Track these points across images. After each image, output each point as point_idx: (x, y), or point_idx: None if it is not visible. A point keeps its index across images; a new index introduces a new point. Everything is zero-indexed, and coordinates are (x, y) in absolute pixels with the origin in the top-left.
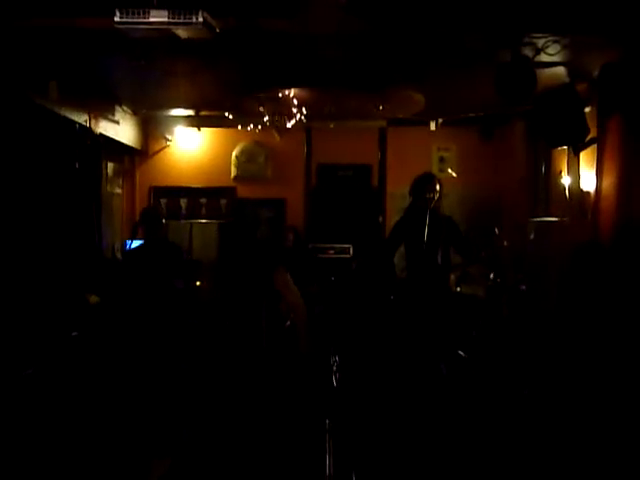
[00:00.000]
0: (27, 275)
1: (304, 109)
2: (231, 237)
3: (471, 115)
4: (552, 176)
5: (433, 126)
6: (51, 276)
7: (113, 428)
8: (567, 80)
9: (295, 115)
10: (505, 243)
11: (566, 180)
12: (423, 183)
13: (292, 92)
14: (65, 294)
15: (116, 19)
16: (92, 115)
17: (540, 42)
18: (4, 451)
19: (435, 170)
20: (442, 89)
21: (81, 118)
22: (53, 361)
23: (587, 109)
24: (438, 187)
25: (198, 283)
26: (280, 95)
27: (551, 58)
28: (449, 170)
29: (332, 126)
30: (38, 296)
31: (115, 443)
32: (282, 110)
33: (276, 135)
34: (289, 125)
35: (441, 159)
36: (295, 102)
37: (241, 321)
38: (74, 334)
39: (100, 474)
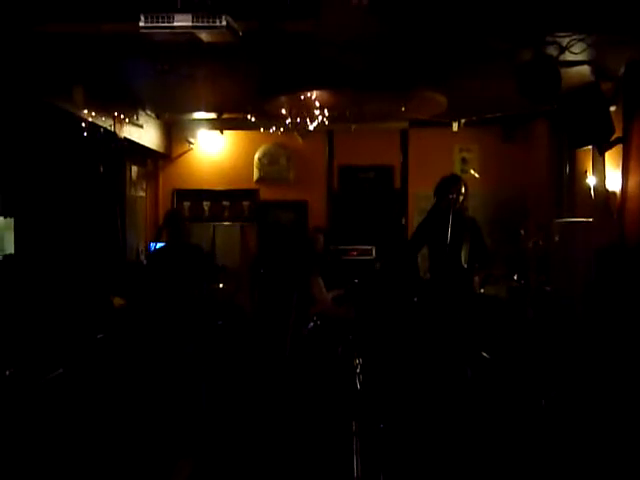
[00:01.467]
0: (54, 278)
1: (326, 111)
2: (260, 240)
3: (493, 115)
4: (577, 176)
5: (455, 127)
6: (77, 279)
7: (137, 429)
8: (592, 79)
9: (317, 117)
10: (530, 244)
11: (591, 180)
12: (448, 184)
13: (314, 94)
14: (91, 297)
15: (141, 24)
16: (116, 119)
17: (564, 41)
18: (32, 450)
19: (457, 171)
20: (464, 90)
21: (106, 122)
22: (80, 362)
23: (612, 108)
24: (463, 189)
25: (221, 285)
26: (302, 97)
27: (575, 57)
28: (471, 171)
29: (354, 128)
30: (65, 298)
31: (140, 444)
32: (304, 113)
33: (298, 137)
34: (311, 127)
35: (463, 160)
36: (317, 104)
37: (270, 324)
38: (100, 336)
39: (125, 475)
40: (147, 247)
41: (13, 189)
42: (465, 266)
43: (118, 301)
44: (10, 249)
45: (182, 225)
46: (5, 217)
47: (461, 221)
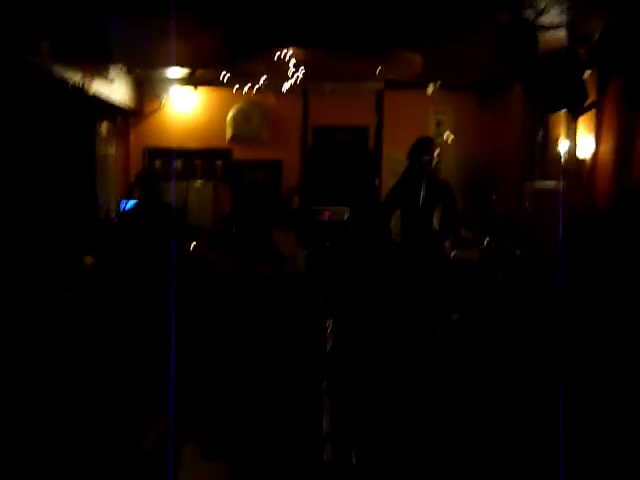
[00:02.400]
0: (23, 236)
1: (301, 70)
2: (234, 199)
3: (469, 79)
4: (550, 141)
5: (431, 90)
6: (47, 237)
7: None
8: (567, 43)
9: (292, 76)
10: (501, 208)
11: (564, 145)
12: (421, 147)
13: (289, 52)
14: (60, 255)
15: None
16: (86, 74)
17: (541, 4)
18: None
19: (431, 134)
20: (441, 51)
21: (74, 77)
22: (49, 320)
23: (587, 73)
24: (437, 152)
25: (193, 244)
26: (277, 55)
27: (552, 20)
28: (445, 134)
29: (329, 88)
30: (34, 256)
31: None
32: (279, 71)
33: (272, 96)
34: (286, 86)
35: (438, 123)
36: (292, 62)
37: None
38: (69, 294)
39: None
40: (118, 205)
41: None
42: (436, 229)
43: (89, 259)
44: None
45: (155, 184)
46: None
47: (434, 184)
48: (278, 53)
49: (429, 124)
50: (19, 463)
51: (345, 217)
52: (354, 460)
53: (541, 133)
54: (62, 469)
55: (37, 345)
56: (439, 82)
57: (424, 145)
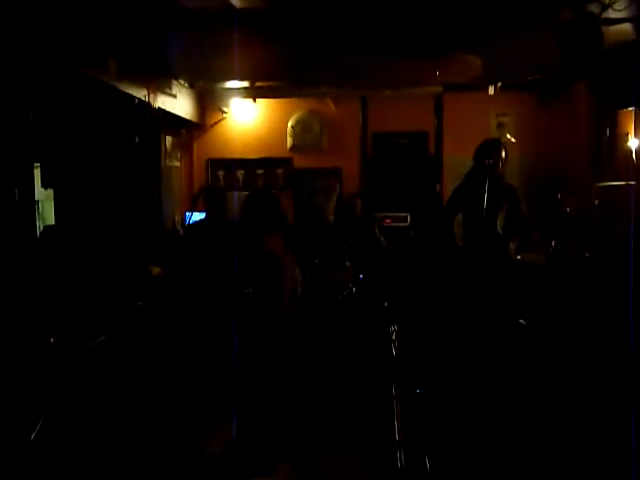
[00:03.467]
0: (94, 248)
1: (360, 77)
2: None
3: (531, 78)
4: (618, 139)
5: (491, 91)
6: (116, 248)
7: (176, 396)
8: (634, 37)
9: (351, 83)
10: (568, 209)
11: (633, 143)
12: (487, 149)
13: (347, 60)
14: (129, 266)
15: None
16: (150, 89)
17: None
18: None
19: (493, 136)
20: (500, 51)
21: (140, 93)
22: (122, 329)
23: None
24: (503, 154)
25: None
26: (336, 64)
27: (618, 14)
28: (507, 136)
29: (388, 94)
30: (105, 268)
31: (178, 411)
32: (338, 79)
33: (331, 104)
34: (345, 94)
35: (499, 125)
36: (351, 70)
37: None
38: (139, 304)
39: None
40: (183, 217)
41: (52, 161)
42: (500, 233)
43: (156, 270)
44: (50, 220)
45: (219, 195)
46: (45, 188)
47: (498, 187)
48: (336, 61)
49: (490, 126)
50: (87, 465)
51: (407, 222)
52: (428, 466)
53: (608, 131)
54: (131, 473)
55: (111, 352)
56: (500, 83)
57: (490, 147)
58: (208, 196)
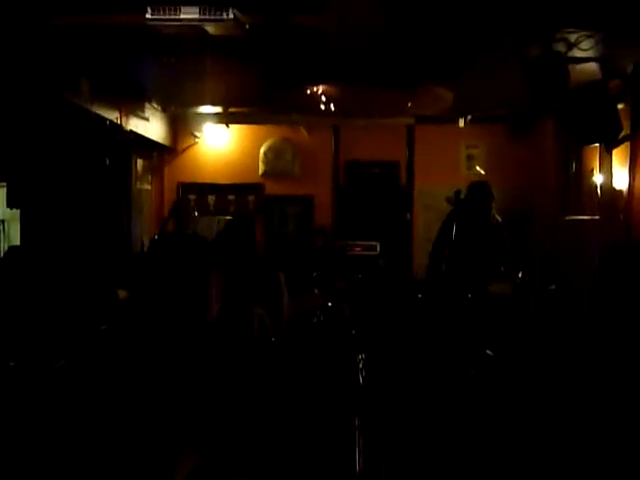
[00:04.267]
0: (59, 269)
1: (332, 106)
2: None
3: (500, 112)
4: (583, 174)
5: (462, 123)
6: (82, 271)
7: (140, 422)
8: (600, 77)
9: (323, 112)
10: (534, 242)
11: (598, 178)
12: (478, 192)
13: (320, 88)
14: (95, 288)
15: (148, 16)
16: (122, 112)
17: (572, 37)
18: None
19: (463, 168)
20: (471, 86)
21: (112, 115)
22: (84, 353)
23: (620, 106)
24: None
25: None
26: (308, 92)
27: (584, 54)
28: (477, 168)
29: (360, 123)
30: (70, 290)
31: (142, 436)
32: (310, 107)
33: (304, 132)
34: (317, 122)
35: (469, 157)
36: (323, 99)
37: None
38: (103, 328)
39: (128, 468)
40: (151, 240)
41: (19, 180)
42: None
43: (122, 293)
44: (16, 240)
45: (188, 216)
46: (11, 208)
47: (487, 223)
48: (309, 89)
49: (461, 158)
50: None
51: (377, 251)
52: None
53: (574, 166)
54: None
55: (71, 376)
56: (470, 116)
57: (481, 191)
58: (175, 214)
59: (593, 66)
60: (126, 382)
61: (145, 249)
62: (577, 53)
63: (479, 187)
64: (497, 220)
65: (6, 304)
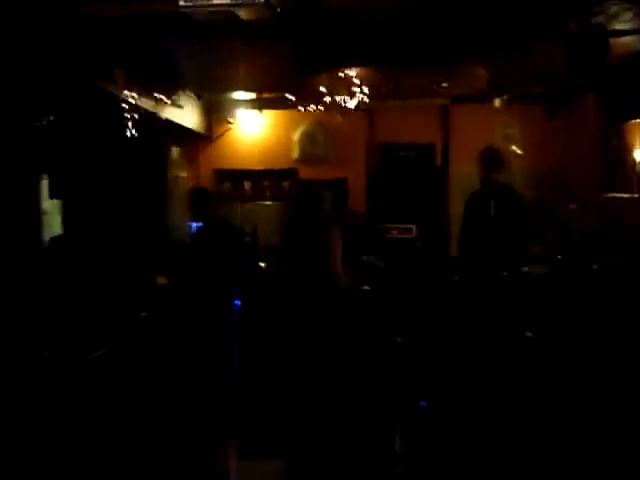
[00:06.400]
0: (100, 258)
1: (366, 88)
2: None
3: (537, 91)
4: (624, 152)
5: (497, 103)
6: (122, 259)
7: (181, 407)
8: None
9: (356, 94)
10: (574, 221)
11: (639, 155)
12: (484, 161)
13: (354, 71)
14: (135, 276)
15: (181, 3)
16: (158, 101)
17: (612, 9)
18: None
19: (499, 148)
20: (507, 64)
21: (147, 104)
22: (125, 340)
23: None
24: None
25: (263, 265)
26: (342, 74)
27: (624, 26)
28: (513, 147)
29: (395, 106)
30: (111, 278)
31: (183, 422)
32: (343, 90)
33: (338, 116)
34: (350, 105)
35: (506, 137)
36: (357, 81)
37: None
38: (143, 315)
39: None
40: (188, 227)
41: (60, 172)
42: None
43: (161, 280)
44: (58, 230)
45: (207, 202)
46: (53, 199)
47: (507, 198)
48: (342, 72)
49: (496, 138)
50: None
51: (413, 234)
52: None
53: (614, 144)
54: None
55: (113, 363)
56: (506, 95)
57: (486, 159)
58: (195, 200)
59: (634, 38)
60: (167, 366)
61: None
62: (617, 25)
63: (482, 157)
64: (517, 194)
65: (49, 293)
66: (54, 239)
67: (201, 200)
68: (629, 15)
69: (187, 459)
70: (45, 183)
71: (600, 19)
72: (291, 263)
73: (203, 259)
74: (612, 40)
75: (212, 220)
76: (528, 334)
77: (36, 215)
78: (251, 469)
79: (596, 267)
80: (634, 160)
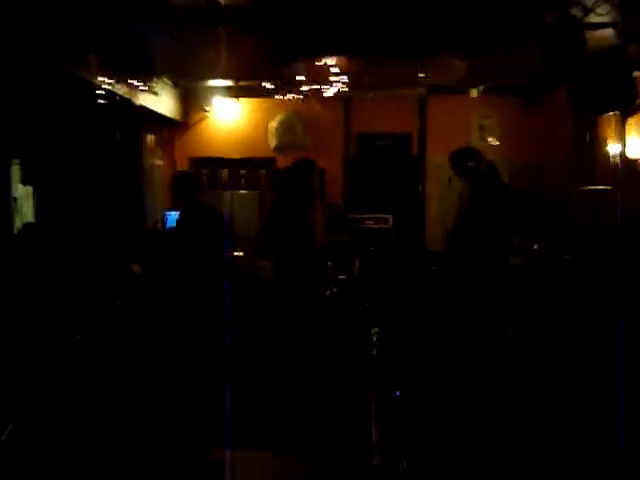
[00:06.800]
0: (73, 246)
1: (343, 77)
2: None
3: (513, 82)
4: (598, 143)
5: (474, 93)
6: (96, 246)
7: (155, 401)
8: (616, 42)
9: (334, 84)
10: (549, 213)
11: (613, 147)
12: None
13: (331, 60)
14: (110, 264)
15: None
16: (132, 87)
17: (589, 2)
18: (51, 418)
19: (476, 138)
20: (484, 54)
21: (121, 90)
22: (99, 328)
23: (637, 73)
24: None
25: (241, 254)
26: (319, 63)
27: (601, 19)
28: (489, 139)
29: (371, 95)
30: (84, 266)
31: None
32: (321, 79)
33: (315, 105)
34: (328, 94)
35: (482, 127)
36: (334, 70)
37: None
38: (118, 303)
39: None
40: (163, 215)
41: (32, 157)
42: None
43: (136, 268)
44: (30, 217)
45: (193, 186)
46: (25, 185)
47: (488, 191)
48: (319, 61)
49: (473, 128)
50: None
51: (390, 224)
52: (402, 468)
53: (589, 136)
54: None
55: (87, 351)
56: (482, 86)
57: (463, 157)
58: (180, 184)
59: (609, 32)
60: (140, 357)
61: (157, 224)
62: (593, 18)
63: (465, 155)
64: (506, 186)
65: (21, 281)
66: (26, 225)
67: (185, 185)
68: (606, 8)
69: (167, 453)
70: (17, 169)
71: (576, 11)
72: (277, 252)
73: (188, 244)
74: (588, 33)
75: (195, 205)
76: (505, 325)
77: (6, 201)
78: (239, 459)
79: (568, 257)
80: (608, 153)
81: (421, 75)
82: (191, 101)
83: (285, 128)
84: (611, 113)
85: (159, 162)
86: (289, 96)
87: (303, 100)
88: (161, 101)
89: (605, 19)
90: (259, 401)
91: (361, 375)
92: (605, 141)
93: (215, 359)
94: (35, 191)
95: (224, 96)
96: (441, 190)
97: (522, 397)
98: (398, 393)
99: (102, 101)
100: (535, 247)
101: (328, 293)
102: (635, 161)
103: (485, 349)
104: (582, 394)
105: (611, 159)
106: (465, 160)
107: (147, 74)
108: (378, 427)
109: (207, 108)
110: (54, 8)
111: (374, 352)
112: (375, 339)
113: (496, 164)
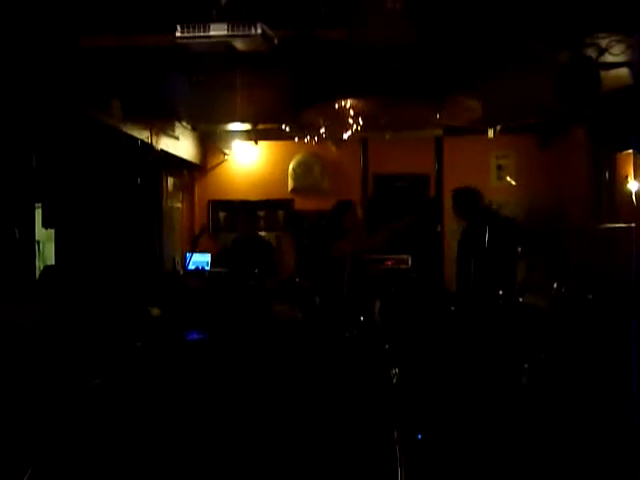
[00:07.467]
0: (93, 288)
1: (360, 119)
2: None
3: (530, 121)
4: (617, 181)
5: (491, 134)
6: (116, 289)
7: (177, 439)
8: (631, 81)
9: (351, 126)
10: (569, 252)
11: (633, 185)
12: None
13: (348, 102)
14: (129, 307)
15: (177, 34)
16: (153, 132)
17: (604, 42)
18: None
19: (493, 179)
20: (500, 95)
21: (143, 135)
22: (119, 371)
23: None
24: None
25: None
26: (336, 106)
27: (615, 58)
28: (507, 178)
29: (388, 136)
30: (104, 308)
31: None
32: (338, 121)
33: (332, 147)
34: (345, 136)
35: (499, 167)
36: (351, 112)
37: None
38: (138, 344)
39: None
40: (183, 258)
41: (54, 201)
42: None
43: (155, 311)
44: (51, 259)
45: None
46: (46, 228)
47: (497, 227)
48: (336, 104)
49: (490, 168)
50: None
51: (408, 265)
52: None
53: (607, 173)
54: None
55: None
56: (499, 126)
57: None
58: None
59: (624, 71)
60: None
61: (176, 267)
62: (608, 58)
63: (464, 194)
64: (508, 219)
65: (42, 322)
66: (47, 268)
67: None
68: (620, 48)
69: None
70: (39, 212)
71: (591, 52)
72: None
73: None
74: (603, 73)
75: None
76: (525, 365)
77: (31, 243)
78: None
79: (590, 297)
80: (627, 190)
81: (437, 117)
82: (210, 145)
83: (303, 170)
84: (630, 151)
85: (179, 205)
86: (307, 138)
87: (321, 142)
88: (181, 145)
89: (620, 59)
90: (283, 445)
91: (383, 417)
92: (625, 179)
93: (236, 404)
94: (56, 234)
95: (242, 139)
96: (458, 230)
97: (542, 439)
98: (420, 436)
99: (124, 146)
100: (555, 286)
101: (348, 334)
102: None
103: (503, 391)
104: (604, 439)
105: (631, 196)
106: (462, 199)
107: (167, 119)
108: (403, 470)
109: (226, 151)
110: (79, 56)
111: (394, 394)
112: (395, 380)
113: (510, 203)
